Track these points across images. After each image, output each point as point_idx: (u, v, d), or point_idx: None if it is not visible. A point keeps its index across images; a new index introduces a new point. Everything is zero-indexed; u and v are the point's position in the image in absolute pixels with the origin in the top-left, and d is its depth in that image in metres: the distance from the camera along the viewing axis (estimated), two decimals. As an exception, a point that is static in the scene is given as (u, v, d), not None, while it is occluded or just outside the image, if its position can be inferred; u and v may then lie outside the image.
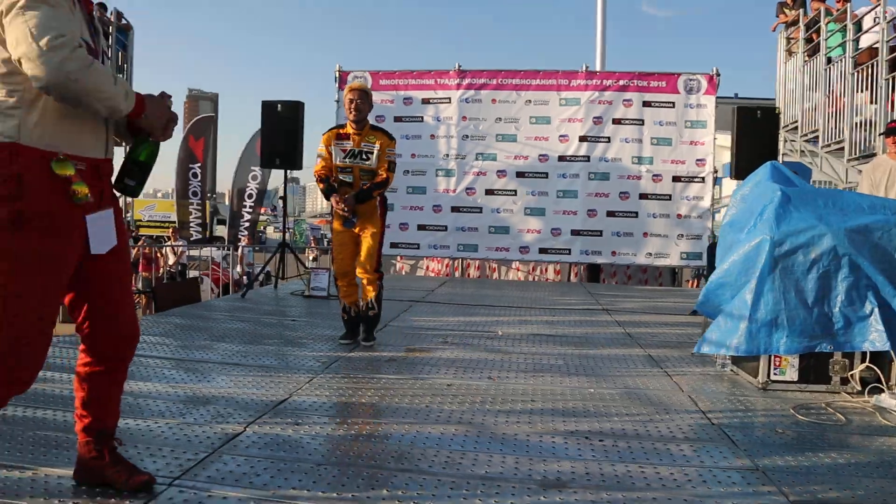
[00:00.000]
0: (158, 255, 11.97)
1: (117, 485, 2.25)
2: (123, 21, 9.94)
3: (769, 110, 7.41)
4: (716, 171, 10.28)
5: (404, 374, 4.14)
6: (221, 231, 22.40)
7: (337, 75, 10.59)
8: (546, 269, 11.54)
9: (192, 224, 13.93)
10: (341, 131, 4.81)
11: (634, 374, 4.39)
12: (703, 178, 9.96)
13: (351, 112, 4.72)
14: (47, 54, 1.82)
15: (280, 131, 7.60)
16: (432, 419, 3.25)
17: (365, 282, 4.86)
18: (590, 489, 2.49)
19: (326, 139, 4.82)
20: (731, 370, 4.53)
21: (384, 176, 4.75)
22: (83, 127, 2.04)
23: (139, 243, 12.40)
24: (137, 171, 2.20)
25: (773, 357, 4.08)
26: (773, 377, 4.08)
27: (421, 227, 10.47)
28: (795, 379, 4.09)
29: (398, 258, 11.46)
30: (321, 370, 4.12)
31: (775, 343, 3.92)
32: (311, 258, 12.68)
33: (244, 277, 13.34)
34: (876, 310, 3.88)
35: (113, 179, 2.20)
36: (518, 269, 11.68)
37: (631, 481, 2.58)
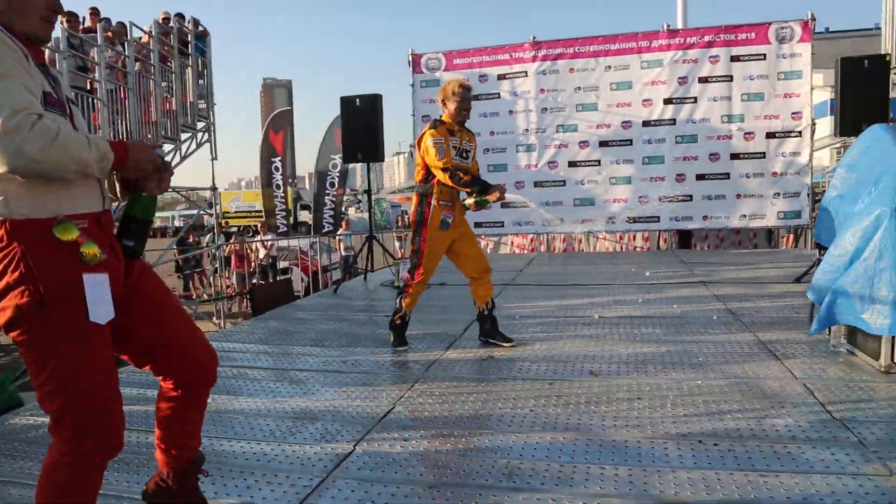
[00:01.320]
0: (249, 250, 12.38)
1: None
2: (200, 28, 10.21)
3: (878, 58, 6.80)
4: (813, 123, 9.67)
5: (504, 374, 4.13)
6: (306, 216, 22.95)
7: (410, 59, 10.53)
8: (634, 238, 11.26)
9: (277, 214, 14.35)
10: (449, 127, 4.59)
11: (741, 359, 4.21)
12: (799, 133, 9.39)
13: (464, 111, 4.56)
14: (3, 140, 1.64)
15: (360, 125, 7.65)
16: (538, 426, 3.22)
17: (485, 281, 4.74)
18: (711, 506, 2.41)
19: (444, 133, 4.52)
20: (846, 349, 4.28)
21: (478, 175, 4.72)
22: (75, 182, 1.83)
23: (231, 239, 12.86)
24: (136, 229, 2.04)
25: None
26: (896, 359, 3.83)
27: (504, 205, 10.36)
28: (922, 360, 3.82)
29: (482, 237, 11.41)
30: (421, 375, 4.16)
31: (890, 323, 3.66)
32: (398, 247, 12.63)
33: (340, 264, 13.65)
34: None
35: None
36: (605, 239, 11.43)
37: (753, 493, 2.47)
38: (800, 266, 7.49)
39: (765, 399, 3.49)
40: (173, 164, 9.75)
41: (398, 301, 4.77)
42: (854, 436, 2.96)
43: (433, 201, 4.55)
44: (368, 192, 8.39)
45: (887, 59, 6.96)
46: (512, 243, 11.71)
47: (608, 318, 5.53)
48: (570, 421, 3.27)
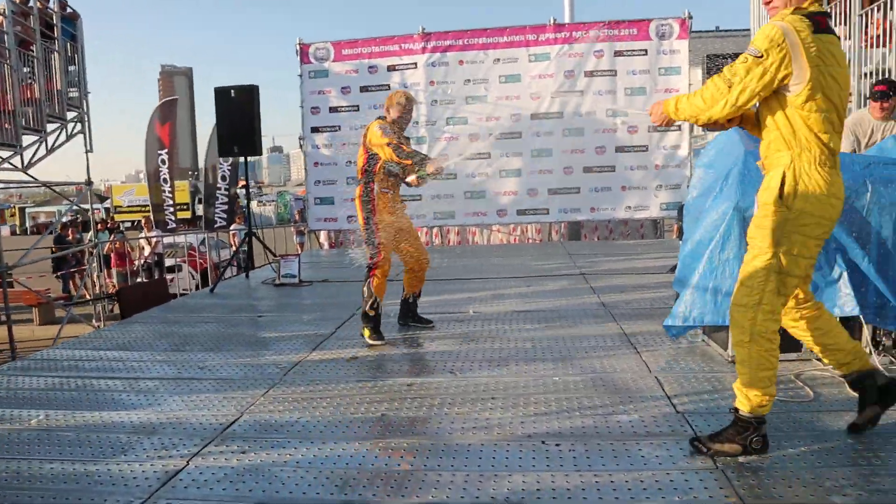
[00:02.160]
0: (130, 248, 11.77)
1: None
2: (69, 10, 9.55)
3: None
4: (692, 118, 10.04)
5: (364, 376, 4.03)
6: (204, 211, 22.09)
7: (298, 48, 10.25)
8: (527, 230, 11.40)
9: (166, 210, 13.69)
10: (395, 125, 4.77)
11: (603, 354, 4.28)
12: (679, 126, 9.71)
13: (406, 122, 4.84)
14: None
15: (236, 117, 7.34)
16: (387, 431, 3.14)
17: (422, 276, 5.10)
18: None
19: (392, 126, 4.69)
20: (703, 341, 4.43)
21: None
22: None
23: (111, 237, 12.15)
24: None
25: (741, 329, 3.96)
26: (742, 349, 3.97)
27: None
28: (766, 349, 3.98)
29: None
30: (278, 379, 4.00)
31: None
32: (297, 242, 11.96)
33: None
34: (845, 273, 3.75)
35: None
36: (499, 232, 11.52)
37: (583, 495, 2.48)
38: (676, 256, 7.73)
39: (616, 394, 3.54)
40: (38, 157, 9.12)
41: (365, 287, 4.77)
42: (691, 429, 3.02)
43: (375, 187, 4.73)
44: (247, 186, 8.08)
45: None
46: (407, 236, 11.61)
47: (483, 314, 5.53)
48: (418, 426, 3.20)
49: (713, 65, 6.63)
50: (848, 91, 2.66)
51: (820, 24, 2.49)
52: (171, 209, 13.63)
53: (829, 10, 2.78)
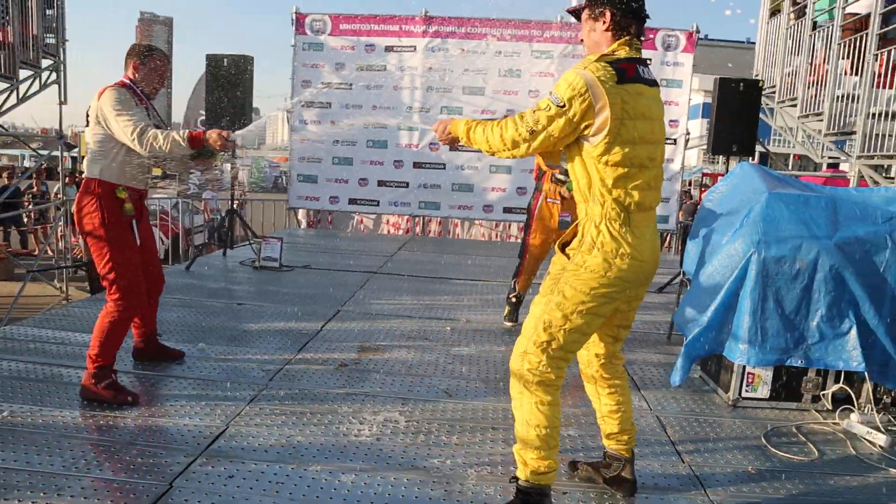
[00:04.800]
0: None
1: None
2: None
3: (752, 82, 7.00)
4: (688, 133, 9.98)
5: (355, 387, 3.84)
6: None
7: (294, 17, 9.87)
8: (509, 227, 11.24)
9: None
10: None
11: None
12: (674, 140, 9.65)
13: None
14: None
15: (227, 87, 7.00)
16: (380, 459, 2.97)
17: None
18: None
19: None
20: (700, 377, 4.35)
21: None
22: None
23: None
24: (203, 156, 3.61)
25: (745, 373, 3.89)
26: (744, 394, 3.90)
27: (381, 183, 10.04)
28: (767, 396, 3.91)
29: (357, 214, 11.02)
30: (263, 385, 3.79)
31: (745, 353, 3.71)
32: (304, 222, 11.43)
33: (205, 227, 12.77)
34: (854, 327, 3.69)
35: None
36: (481, 226, 11.36)
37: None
38: (664, 273, 7.67)
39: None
40: (7, 106, 8.62)
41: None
42: (701, 484, 2.92)
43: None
44: (233, 164, 7.76)
45: (760, 84, 7.19)
46: (388, 222, 11.38)
47: (476, 323, 5.36)
48: (408, 454, 3.04)
49: (725, 88, 6.51)
50: (660, 142, 2.54)
51: (626, 72, 2.36)
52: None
53: (645, 58, 2.52)
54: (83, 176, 3.55)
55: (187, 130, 3.36)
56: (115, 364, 3.53)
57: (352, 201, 10.10)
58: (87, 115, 3.57)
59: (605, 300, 2.45)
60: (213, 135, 3.38)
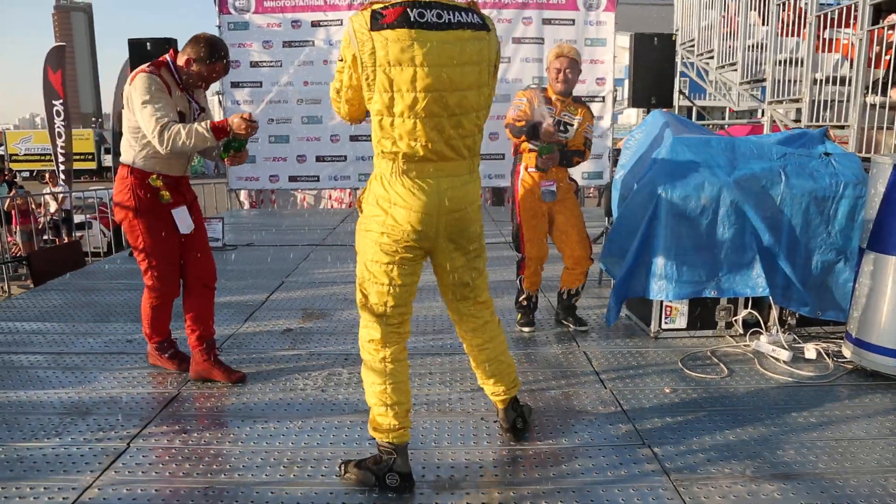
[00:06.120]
0: (35, 204, 11.05)
1: (221, 380, 3.51)
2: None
3: (666, 37, 7.35)
4: (615, 89, 10.30)
5: (299, 349, 4.03)
6: (112, 161, 20.86)
7: (217, -3, 9.78)
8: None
9: (62, 164, 12.70)
10: (544, 94, 4.18)
11: (539, 332, 4.43)
12: (602, 98, 9.95)
13: (558, 82, 4.14)
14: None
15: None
16: (329, 409, 3.19)
17: (580, 270, 4.38)
18: (481, 488, 2.51)
19: (531, 94, 4.10)
20: (626, 315, 4.66)
21: (582, 150, 4.32)
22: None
23: (10, 193, 11.31)
24: (233, 148, 3.23)
25: (663, 306, 4.21)
26: (664, 325, 4.23)
27: (319, 159, 10.10)
28: (684, 326, 4.25)
29: (299, 191, 11.08)
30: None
31: (664, 289, 4.03)
32: (246, 203, 11.38)
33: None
34: (757, 256, 4.03)
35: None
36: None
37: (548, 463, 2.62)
38: (595, 226, 8.00)
39: (549, 368, 3.70)
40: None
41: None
42: (620, 407, 3.22)
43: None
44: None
45: (673, 38, 7.52)
46: (330, 197, 11.48)
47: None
48: (350, 401, 3.21)
49: (641, 44, 6.84)
50: (460, 89, 2.31)
51: (383, 18, 2.22)
52: (64, 161, 12.75)
53: (446, 2, 2.29)
54: (121, 160, 3.42)
55: (209, 121, 3.13)
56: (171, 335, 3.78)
57: (292, 179, 10.15)
58: (123, 98, 3.33)
59: (389, 250, 2.42)
60: (235, 119, 3.07)
